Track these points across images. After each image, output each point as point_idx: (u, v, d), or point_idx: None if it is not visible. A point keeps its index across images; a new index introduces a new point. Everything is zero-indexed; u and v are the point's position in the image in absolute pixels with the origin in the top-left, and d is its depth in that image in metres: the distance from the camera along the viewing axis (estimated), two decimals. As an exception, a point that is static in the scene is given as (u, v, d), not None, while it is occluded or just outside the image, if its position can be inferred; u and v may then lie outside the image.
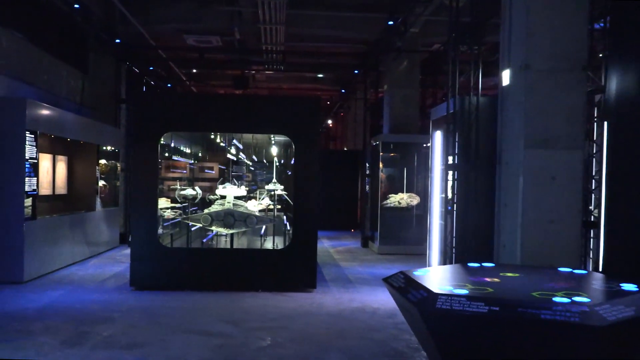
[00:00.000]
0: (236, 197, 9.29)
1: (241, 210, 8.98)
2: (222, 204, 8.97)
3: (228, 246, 9.47)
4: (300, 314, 7.13)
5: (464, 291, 4.04)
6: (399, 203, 13.74)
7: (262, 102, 9.14)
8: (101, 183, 12.67)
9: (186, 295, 8.00)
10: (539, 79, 6.44)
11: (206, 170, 15.81)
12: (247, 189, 15.29)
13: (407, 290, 4.48)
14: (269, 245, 10.19)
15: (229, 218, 8.81)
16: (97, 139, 12.04)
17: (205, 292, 8.19)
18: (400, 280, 4.82)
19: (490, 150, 7.32)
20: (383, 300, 7.87)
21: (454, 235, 7.74)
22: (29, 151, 8.77)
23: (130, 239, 8.34)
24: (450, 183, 7.98)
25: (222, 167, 16.11)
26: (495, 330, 3.79)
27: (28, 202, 8.80)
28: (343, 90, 20.32)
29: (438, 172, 8.86)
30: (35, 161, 8.99)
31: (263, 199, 12.02)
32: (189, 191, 9.65)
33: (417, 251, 13.14)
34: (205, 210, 9.04)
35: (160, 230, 10.17)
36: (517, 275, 4.85)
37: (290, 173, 10.14)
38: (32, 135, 8.87)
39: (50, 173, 10.83)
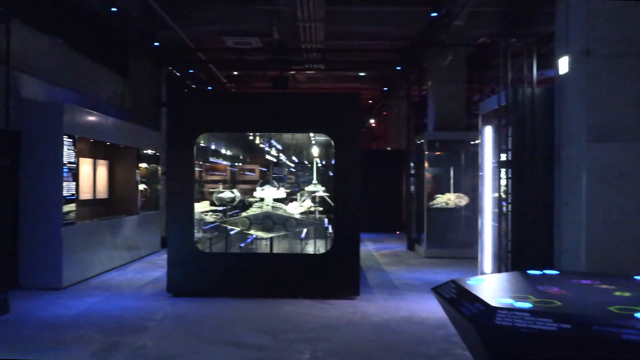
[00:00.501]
0: (275, 200, 8.94)
1: (280, 213, 8.62)
2: (261, 207, 8.63)
3: (267, 251, 9.13)
4: (342, 323, 6.69)
5: (526, 305, 3.51)
6: (447, 204, 13.14)
7: (300, 99, 8.75)
8: (142, 187, 12.57)
9: (223, 302, 7.69)
10: (602, 65, 5.84)
11: (247, 172, 15.64)
12: (289, 190, 15.02)
13: (460, 302, 3.99)
14: (309, 249, 9.81)
15: (268, 221, 8.47)
16: (137, 142, 11.93)
17: (243, 298, 7.86)
18: (452, 291, 4.34)
19: (548, 145, 6.71)
20: (432, 308, 7.35)
21: (509, 238, 7.15)
22: (68, 156, 8.66)
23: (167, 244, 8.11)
24: (503, 182, 7.39)
25: (263, 169, 15.91)
26: (566, 351, 3.26)
27: (68, 207, 8.69)
28: (385, 88, 19.78)
29: (489, 170, 8.27)
30: (74, 166, 8.87)
31: (304, 201, 11.66)
32: (226, 194, 9.37)
33: (466, 255, 12.50)
34: (244, 214, 8.72)
35: (200, 234, 9.95)
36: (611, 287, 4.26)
37: (331, 174, 9.74)
38: (70, 140, 8.75)
39: (90, 177, 10.76)
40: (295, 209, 11.52)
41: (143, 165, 12.81)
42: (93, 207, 10.94)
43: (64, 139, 8.57)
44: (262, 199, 8.86)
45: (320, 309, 7.40)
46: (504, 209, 7.40)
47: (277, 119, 8.23)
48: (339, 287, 8.06)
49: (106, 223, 10.38)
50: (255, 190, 9.13)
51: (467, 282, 4.46)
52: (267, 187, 9.30)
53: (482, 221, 8.44)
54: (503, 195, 7.39)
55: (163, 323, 6.60)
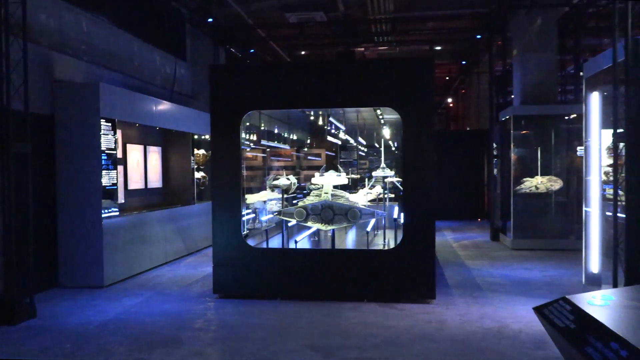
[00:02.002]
0: (336, 187, 7.77)
1: (342, 201, 7.43)
2: (319, 195, 7.48)
3: (326, 246, 7.99)
4: (414, 337, 5.44)
5: None
6: (536, 188, 11.46)
7: (361, 67, 7.45)
8: (199, 174, 11.78)
9: (274, 306, 6.64)
10: None
11: (310, 157, 14.57)
12: (359, 176, 13.80)
13: (583, 337, 2.66)
14: (377, 243, 8.59)
15: (328, 211, 7.31)
16: (192, 127, 11.09)
17: (299, 301, 6.78)
18: (566, 315, 3.00)
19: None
20: (526, 317, 5.96)
21: (627, 230, 5.60)
22: (106, 141, 7.88)
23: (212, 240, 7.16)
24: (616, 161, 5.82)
25: (331, 153, 14.77)
26: None
27: (109, 198, 7.96)
28: (464, 62, 18.04)
29: (595, 145, 6.69)
30: (114, 152, 8.09)
31: (371, 187, 10.43)
32: (281, 181, 8.28)
33: (560, 246, 10.87)
34: (300, 203, 7.60)
35: (259, 224, 8.98)
36: None
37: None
38: (109, 124, 7.96)
39: (141, 165, 10.03)
40: (363, 196, 10.35)
41: (200, 151, 12.00)
42: (145, 198, 10.23)
43: (102, 122, 7.78)
44: (320, 187, 7.72)
45: (388, 316, 6.17)
46: (618, 194, 5.85)
47: (335, 91, 7.02)
48: (411, 289, 6.80)
49: (158, 214, 9.60)
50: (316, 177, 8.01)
51: (588, 302, 3.11)
52: (328, 173, 8.17)
53: (587, 209, 6.87)
54: (618, 178, 5.82)
55: (200, 334, 5.62)
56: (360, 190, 10.68)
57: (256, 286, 7.03)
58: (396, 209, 9.65)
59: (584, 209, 6.98)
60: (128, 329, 5.75)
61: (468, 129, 21.22)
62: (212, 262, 7.11)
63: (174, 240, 10.04)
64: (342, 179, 7.92)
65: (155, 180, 10.63)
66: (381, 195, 10.35)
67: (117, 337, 5.50)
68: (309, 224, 7.43)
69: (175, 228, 10.14)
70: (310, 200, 7.53)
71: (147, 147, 10.30)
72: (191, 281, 8.18)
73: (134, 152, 9.78)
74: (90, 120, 7.74)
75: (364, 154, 15.33)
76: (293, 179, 8.49)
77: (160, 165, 10.83)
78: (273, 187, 8.36)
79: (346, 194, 7.62)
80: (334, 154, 14.74)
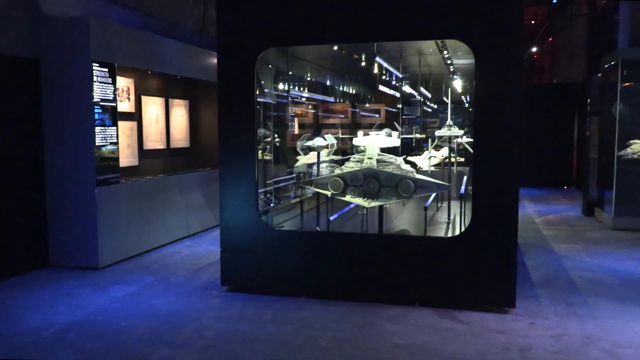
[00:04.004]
0: (383, 150, 5.95)
1: (390, 169, 5.59)
2: (361, 160, 5.68)
3: (366, 229, 6.24)
4: (483, 379, 3.66)
5: None
6: (647, 153, 9.13)
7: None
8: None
9: (296, 307, 5.01)
10: None
11: (366, 114, 12.69)
12: (424, 136, 11.80)
13: None
14: (438, 223, 6.75)
15: (372, 182, 5.50)
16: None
17: (327, 302, 5.13)
18: None
19: None
20: (655, 350, 4.03)
21: None
22: (100, 90, 6.38)
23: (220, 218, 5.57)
24: None
25: (392, 109, 12.81)
26: None
27: (107, 161, 6.55)
28: (554, 1, 15.33)
29: None
30: (111, 105, 6.59)
31: (435, 147, 8.52)
32: (317, 141, 6.52)
33: (679, 226, 8.61)
34: (337, 170, 5.82)
35: (292, 195, 7.35)
36: None
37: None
38: (105, 70, 6.45)
39: (161, 122, 8.56)
40: (425, 160, 8.51)
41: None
42: (167, 160, 8.79)
43: (95, 67, 6.28)
44: (362, 151, 5.93)
45: (447, 334, 4.40)
46: None
47: (381, 20, 5.11)
48: (481, 291, 4.97)
49: (177, 179, 8.14)
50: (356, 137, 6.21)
51: None
52: (374, 133, 6.37)
53: None
54: None
55: (187, 348, 4.08)
56: (422, 154, 8.82)
57: (271, 280, 5.41)
58: (465, 177, 7.72)
59: None
60: (89, 341, 4.28)
61: (554, 81, 18.48)
62: (220, 246, 5.55)
63: (198, 210, 8.57)
64: (393, 140, 6.09)
65: (181, 139, 9.15)
66: (447, 160, 8.43)
67: (66, 353, 4.04)
68: (348, 198, 5.67)
69: (202, 195, 8.67)
70: (349, 167, 5.75)
71: (170, 100, 8.79)
72: (205, 263, 6.69)
73: (152, 106, 8.29)
74: (79, 65, 6.25)
75: (430, 110, 13.23)
76: (332, 138, 6.69)
77: (188, 122, 9.32)
78: (306, 150, 6.61)
79: (398, 160, 5.75)
80: (397, 110, 12.78)
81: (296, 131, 11.68)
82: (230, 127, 5.44)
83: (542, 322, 4.66)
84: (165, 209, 7.75)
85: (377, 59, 6.92)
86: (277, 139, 8.96)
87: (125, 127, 7.56)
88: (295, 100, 10.93)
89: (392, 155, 5.82)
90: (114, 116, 6.62)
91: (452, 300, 5.03)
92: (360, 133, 6.19)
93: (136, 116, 7.93)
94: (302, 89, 9.19)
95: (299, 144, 6.46)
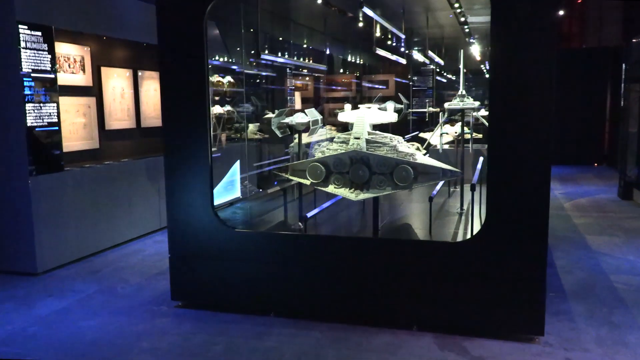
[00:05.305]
0: (376, 127, 4.73)
1: (383, 152, 4.37)
2: (346, 141, 4.47)
3: (361, 224, 5.07)
4: None
5: None
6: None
7: None
8: (221, 109, 8.97)
9: (257, 332, 3.88)
10: None
11: (373, 86, 11.44)
12: (437, 109, 10.51)
13: None
14: (446, 222, 5.55)
15: (360, 169, 4.31)
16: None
17: (300, 323, 4.00)
18: None
19: None
20: None
21: None
22: (31, 58, 5.23)
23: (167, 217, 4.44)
24: None
25: (403, 80, 11.52)
26: None
27: (42, 145, 5.44)
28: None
29: None
30: (51, 76, 5.45)
31: (445, 122, 7.25)
32: (297, 117, 5.32)
33: None
34: (318, 154, 4.62)
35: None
36: None
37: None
38: (38, 33, 5.29)
39: (127, 97, 7.41)
40: (436, 137, 7.28)
41: (225, 79, 9.16)
42: (136, 142, 7.64)
43: (22, 30, 5.12)
44: (348, 127, 4.73)
45: (451, 378, 3.24)
46: None
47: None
48: (498, 313, 3.77)
49: (144, 164, 7.00)
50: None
51: None
52: (368, 107, 5.15)
53: None
54: None
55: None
56: (435, 131, 7.58)
57: (236, 293, 4.28)
58: (481, 159, 6.49)
59: None
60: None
61: (584, 46, 16.86)
62: (169, 253, 4.42)
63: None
64: (388, 114, 4.85)
65: (155, 116, 7.99)
66: (461, 137, 7.17)
67: None
68: (331, 189, 4.48)
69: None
70: (333, 149, 4.55)
71: (140, 72, 7.63)
72: (157, 270, 5.52)
73: (115, 79, 7.14)
74: (2, 28, 5.10)
75: (444, 80, 11.89)
76: (315, 113, 5.46)
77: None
78: (283, 127, 5.39)
79: (394, 140, 4.53)
80: (408, 81, 11.49)
81: (297, 106, 10.52)
82: (176, 102, 4.26)
83: (580, 357, 3.46)
84: (132, 198, 6.65)
85: (365, 9, 5.61)
86: (267, 115, 7.80)
87: (80, 104, 6.44)
88: (294, 72, 9.73)
89: (386, 134, 4.60)
90: (53, 90, 5.48)
91: (459, 324, 3.85)
92: (347, 107, 4.96)
93: (95, 91, 6.79)
94: (293, 57, 8.00)
95: (274, 121, 5.25)
